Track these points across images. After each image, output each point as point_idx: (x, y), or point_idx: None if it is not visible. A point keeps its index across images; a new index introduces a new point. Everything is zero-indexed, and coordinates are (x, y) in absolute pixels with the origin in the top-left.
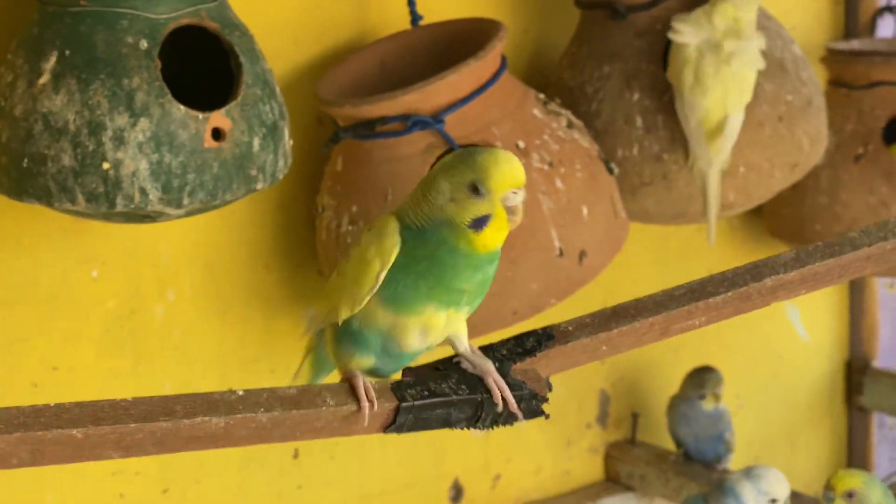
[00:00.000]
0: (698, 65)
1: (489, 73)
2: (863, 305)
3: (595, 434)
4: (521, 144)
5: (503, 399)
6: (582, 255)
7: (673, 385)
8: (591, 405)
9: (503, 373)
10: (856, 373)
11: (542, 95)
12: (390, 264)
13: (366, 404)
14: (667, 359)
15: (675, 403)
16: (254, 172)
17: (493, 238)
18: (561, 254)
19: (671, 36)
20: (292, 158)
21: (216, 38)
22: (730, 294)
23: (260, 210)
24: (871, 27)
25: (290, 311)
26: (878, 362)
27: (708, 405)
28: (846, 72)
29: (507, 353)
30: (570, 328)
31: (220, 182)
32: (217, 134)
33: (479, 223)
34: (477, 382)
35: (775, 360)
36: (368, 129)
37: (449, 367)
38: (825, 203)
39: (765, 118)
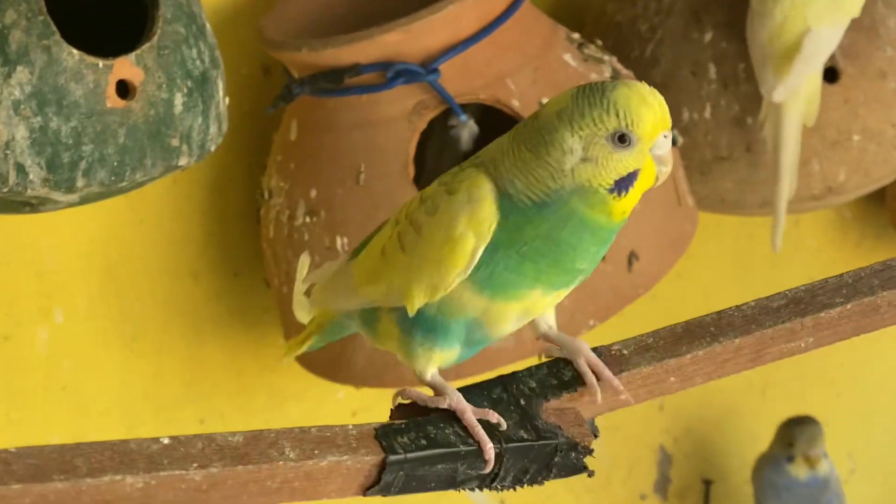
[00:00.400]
0: None
1: (502, 3)
2: None
3: None
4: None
5: (600, 383)
6: (631, 258)
7: (759, 440)
8: (646, 468)
9: (531, 414)
10: None
11: (576, 35)
12: (489, 239)
13: (491, 446)
14: (750, 403)
15: (761, 466)
16: (175, 142)
17: (633, 200)
18: (602, 257)
19: None
20: (229, 123)
21: None
22: (849, 306)
23: (184, 195)
24: None
25: (225, 336)
26: None
27: (799, 471)
28: None
29: (537, 385)
30: (626, 351)
31: (129, 156)
32: (124, 89)
33: (625, 183)
34: (492, 429)
35: None
36: (334, 81)
37: None
38: None
39: (888, 66)
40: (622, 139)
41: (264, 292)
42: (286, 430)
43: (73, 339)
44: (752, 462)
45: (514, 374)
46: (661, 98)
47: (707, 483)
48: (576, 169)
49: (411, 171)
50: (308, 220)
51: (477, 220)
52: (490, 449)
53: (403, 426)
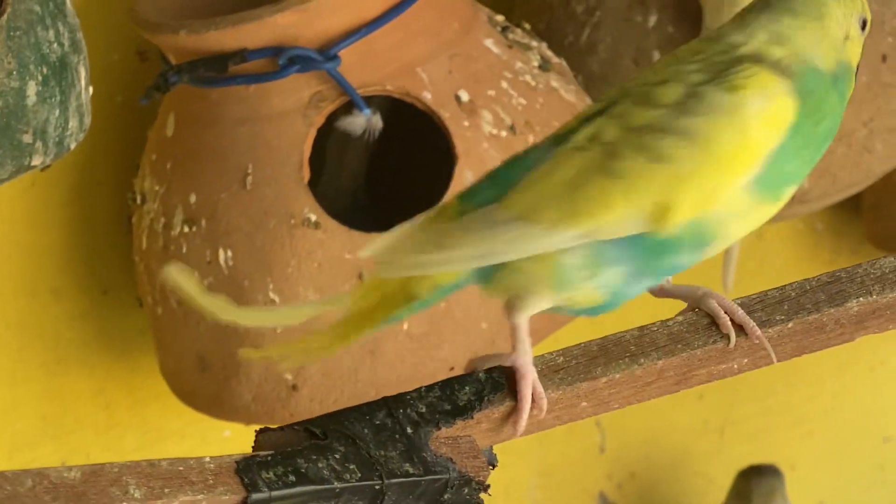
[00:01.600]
0: None
1: None
2: None
3: None
4: (465, 96)
5: (734, 328)
6: None
7: (717, 488)
8: None
9: (419, 445)
10: None
11: (500, 18)
12: (783, 138)
13: (527, 406)
14: (706, 444)
15: None
16: (27, 138)
17: None
18: None
19: None
20: (97, 116)
21: None
22: (790, 325)
23: (43, 200)
24: None
25: (92, 364)
26: None
27: None
28: None
29: (427, 411)
30: None
31: None
32: None
33: (857, 71)
34: (372, 461)
35: (879, 445)
36: (217, 69)
37: (333, 433)
38: None
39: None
40: (864, 25)
41: (137, 312)
42: (132, 463)
43: None
44: None
45: (400, 395)
46: None
47: None
48: (845, 45)
49: (306, 172)
50: (186, 229)
51: (773, 119)
52: (523, 420)
53: (269, 459)
